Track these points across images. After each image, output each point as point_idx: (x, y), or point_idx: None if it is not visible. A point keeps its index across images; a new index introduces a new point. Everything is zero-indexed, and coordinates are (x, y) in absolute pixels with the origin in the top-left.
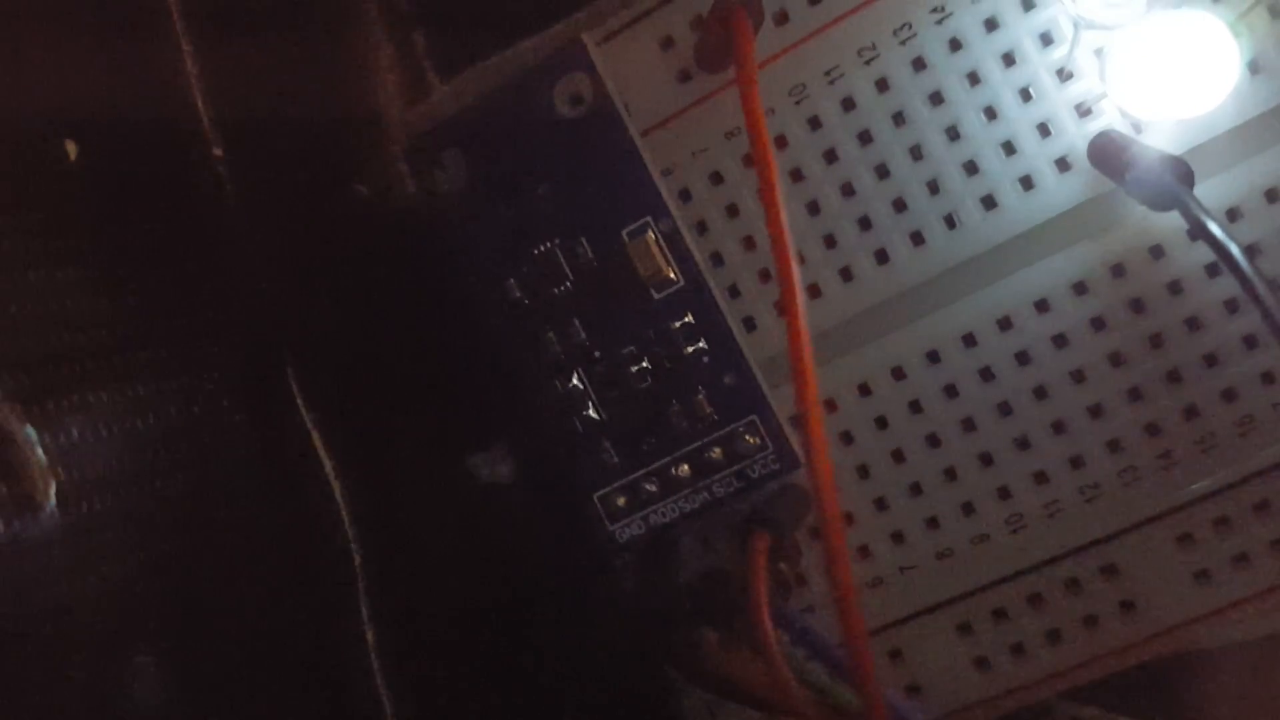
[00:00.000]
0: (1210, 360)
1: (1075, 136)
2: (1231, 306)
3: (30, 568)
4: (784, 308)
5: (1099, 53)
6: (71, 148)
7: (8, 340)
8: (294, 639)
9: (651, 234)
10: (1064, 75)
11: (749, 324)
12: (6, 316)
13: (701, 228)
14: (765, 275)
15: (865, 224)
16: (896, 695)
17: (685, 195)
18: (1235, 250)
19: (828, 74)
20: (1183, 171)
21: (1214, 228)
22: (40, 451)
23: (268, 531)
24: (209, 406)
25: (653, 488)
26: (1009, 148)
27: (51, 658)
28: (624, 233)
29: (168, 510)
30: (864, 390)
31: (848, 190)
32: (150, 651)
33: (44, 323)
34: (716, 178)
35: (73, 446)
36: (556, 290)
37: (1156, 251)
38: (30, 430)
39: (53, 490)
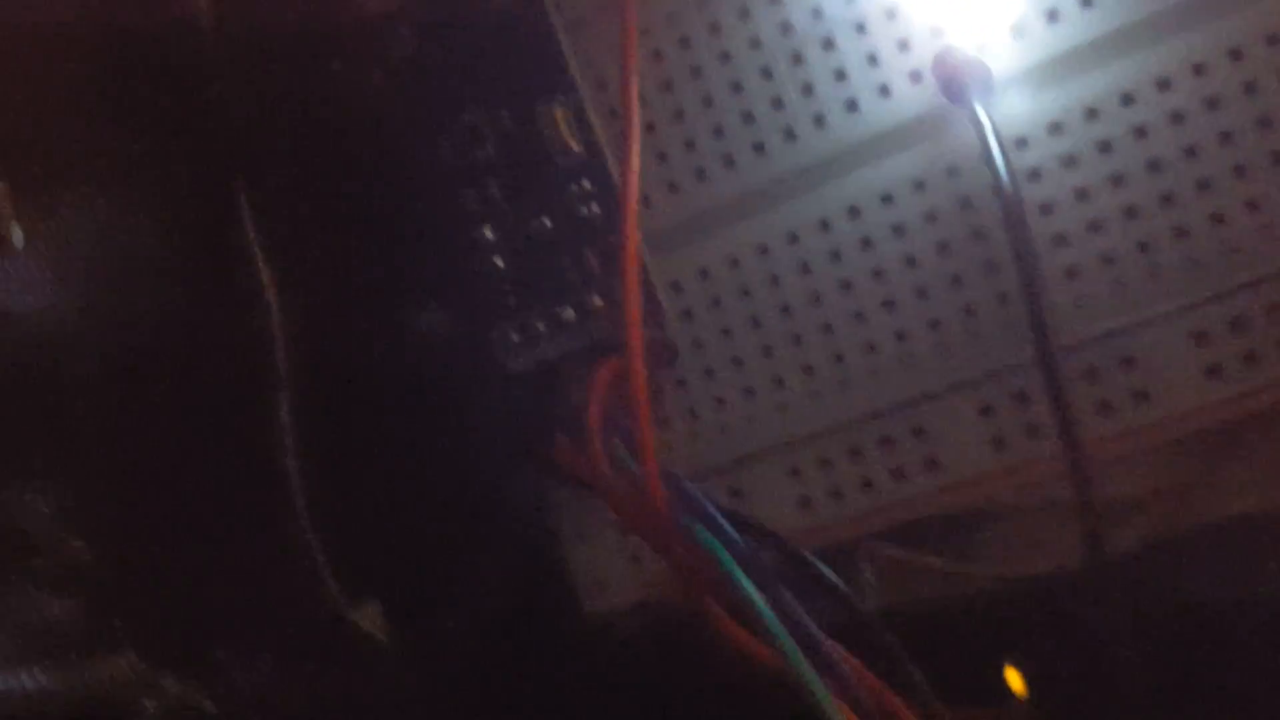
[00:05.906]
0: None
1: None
2: (1046, 209)
3: None
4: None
5: None
6: None
7: None
8: (215, 461)
9: (560, 110)
10: None
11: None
12: None
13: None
14: (663, 157)
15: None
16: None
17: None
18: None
19: None
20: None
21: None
22: None
23: (196, 338)
24: (151, 215)
25: (542, 327)
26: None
27: None
28: (538, 107)
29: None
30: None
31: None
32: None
33: None
34: None
35: None
36: (479, 153)
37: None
38: None
39: None
